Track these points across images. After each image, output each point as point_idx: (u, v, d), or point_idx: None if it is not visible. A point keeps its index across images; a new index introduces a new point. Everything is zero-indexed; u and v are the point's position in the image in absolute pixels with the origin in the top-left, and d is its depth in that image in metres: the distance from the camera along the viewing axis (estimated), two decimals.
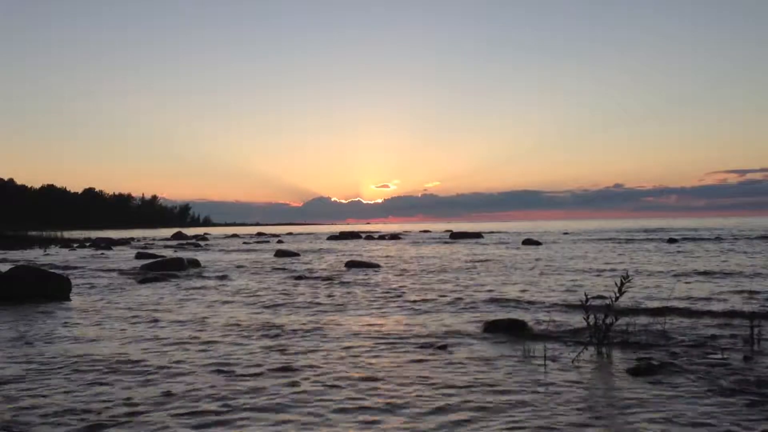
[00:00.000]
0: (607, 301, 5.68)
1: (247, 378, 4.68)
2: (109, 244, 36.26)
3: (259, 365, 5.09)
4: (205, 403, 4.05)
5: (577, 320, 6.84)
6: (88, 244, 35.62)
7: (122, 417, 3.77)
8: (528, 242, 30.33)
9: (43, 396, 4.26)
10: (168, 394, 4.25)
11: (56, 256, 24.28)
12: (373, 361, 5.26)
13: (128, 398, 4.16)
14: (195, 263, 17.08)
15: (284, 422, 3.67)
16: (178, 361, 5.29)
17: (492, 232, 54.10)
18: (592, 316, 5.62)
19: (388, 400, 4.09)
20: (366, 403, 4.02)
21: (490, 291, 10.30)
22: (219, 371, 4.90)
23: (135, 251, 25.54)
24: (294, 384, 4.49)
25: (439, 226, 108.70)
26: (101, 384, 4.56)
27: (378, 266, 16.42)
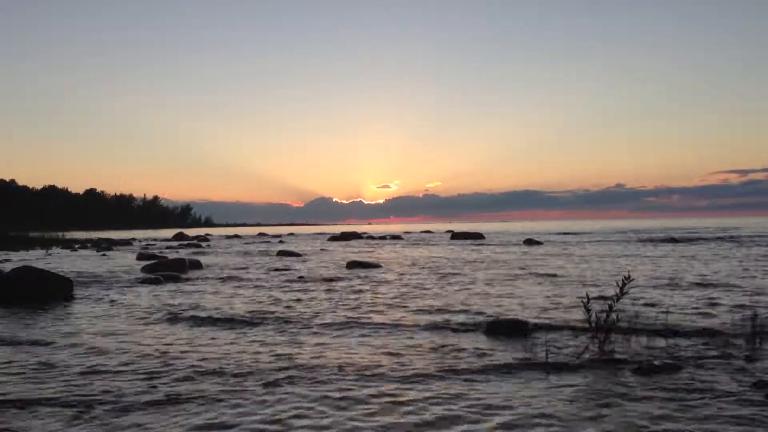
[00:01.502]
0: (609, 302, 5.67)
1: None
2: (110, 244, 36.25)
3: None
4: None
5: (579, 319, 6.83)
6: (89, 245, 35.61)
7: None
8: (529, 242, 30.56)
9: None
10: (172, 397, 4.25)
11: (57, 256, 24.29)
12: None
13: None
14: (197, 264, 17.07)
15: None
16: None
17: (494, 233, 54.09)
18: (594, 316, 5.61)
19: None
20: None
21: (491, 293, 10.29)
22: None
23: (136, 252, 25.54)
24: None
25: (440, 227, 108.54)
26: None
27: (379, 266, 16.44)
